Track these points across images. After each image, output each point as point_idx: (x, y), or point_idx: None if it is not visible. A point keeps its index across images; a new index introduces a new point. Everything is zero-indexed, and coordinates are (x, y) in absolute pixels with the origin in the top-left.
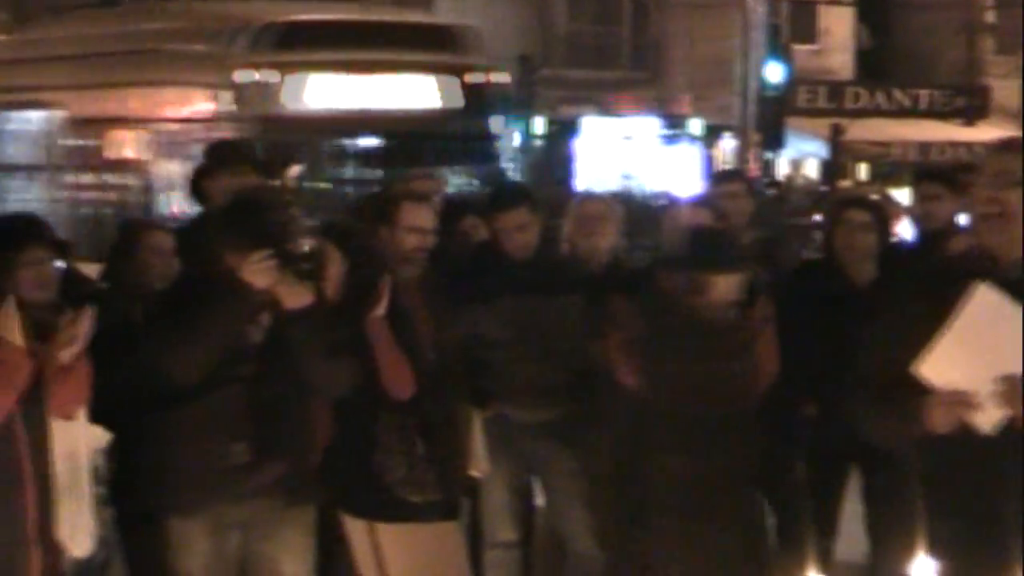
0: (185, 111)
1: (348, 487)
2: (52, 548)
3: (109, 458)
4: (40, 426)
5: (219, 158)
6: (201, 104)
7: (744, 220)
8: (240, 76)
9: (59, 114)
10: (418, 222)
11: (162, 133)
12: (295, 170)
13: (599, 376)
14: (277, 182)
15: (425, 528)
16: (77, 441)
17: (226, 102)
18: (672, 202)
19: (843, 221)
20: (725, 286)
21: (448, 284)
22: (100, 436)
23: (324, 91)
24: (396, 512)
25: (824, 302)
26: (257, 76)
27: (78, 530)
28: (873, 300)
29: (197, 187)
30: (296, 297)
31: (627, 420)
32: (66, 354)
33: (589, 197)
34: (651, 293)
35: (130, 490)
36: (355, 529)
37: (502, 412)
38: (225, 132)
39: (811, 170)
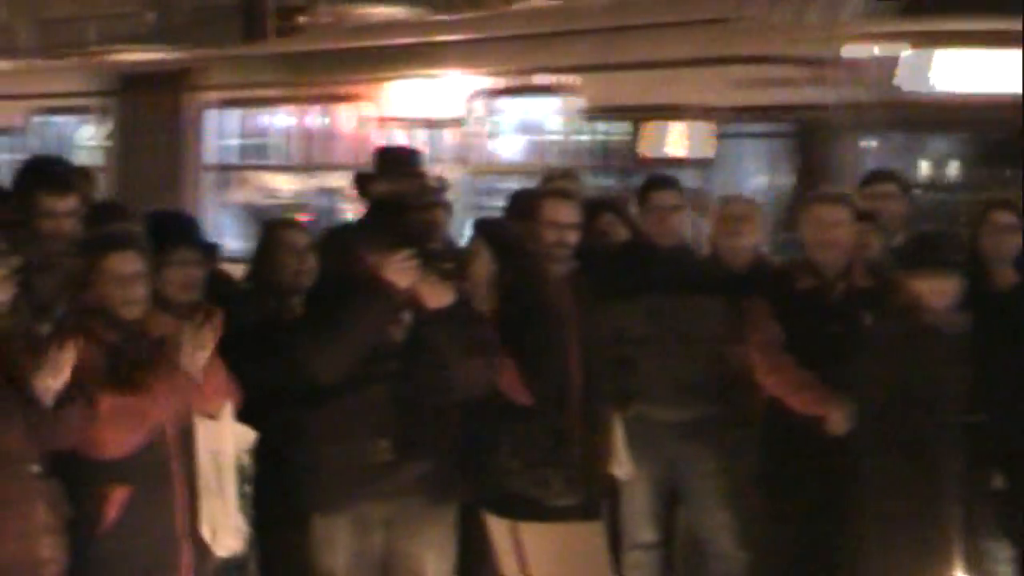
0: (769, 96)
1: (489, 486)
2: (200, 546)
3: (257, 457)
4: (187, 426)
5: (383, 162)
6: (795, 87)
7: (898, 223)
8: (852, 51)
9: (571, 101)
10: (559, 217)
11: (730, 124)
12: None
13: (740, 377)
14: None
15: (567, 528)
16: (223, 440)
17: (833, 84)
18: (813, 199)
19: (988, 223)
20: (949, 289)
21: (594, 282)
22: (247, 435)
23: (958, 70)
24: (536, 512)
25: (969, 305)
26: (875, 51)
27: (221, 529)
28: (1018, 304)
29: (362, 189)
30: (437, 296)
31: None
32: (198, 358)
33: (733, 197)
34: (885, 297)
35: (275, 488)
36: (498, 528)
37: (644, 412)
38: (830, 121)
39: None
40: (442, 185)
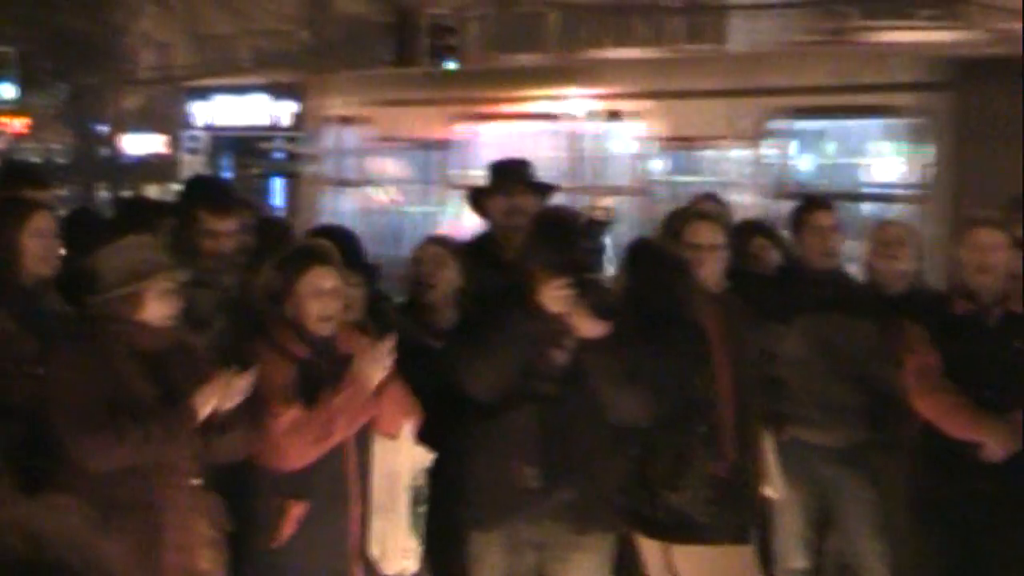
0: None
1: (640, 508)
2: (368, 565)
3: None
4: (366, 445)
5: (499, 177)
6: None
7: None
8: None
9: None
10: (700, 239)
11: None
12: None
13: (894, 402)
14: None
15: (719, 550)
16: (399, 460)
17: None
18: (972, 223)
19: None
20: None
21: (748, 304)
22: (424, 456)
23: None
24: (687, 533)
25: None
26: None
27: (390, 548)
28: None
29: (477, 204)
30: (590, 327)
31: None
32: (373, 380)
33: (891, 221)
34: None
35: (438, 504)
36: (650, 550)
37: (797, 435)
38: None
39: None
40: (608, 216)
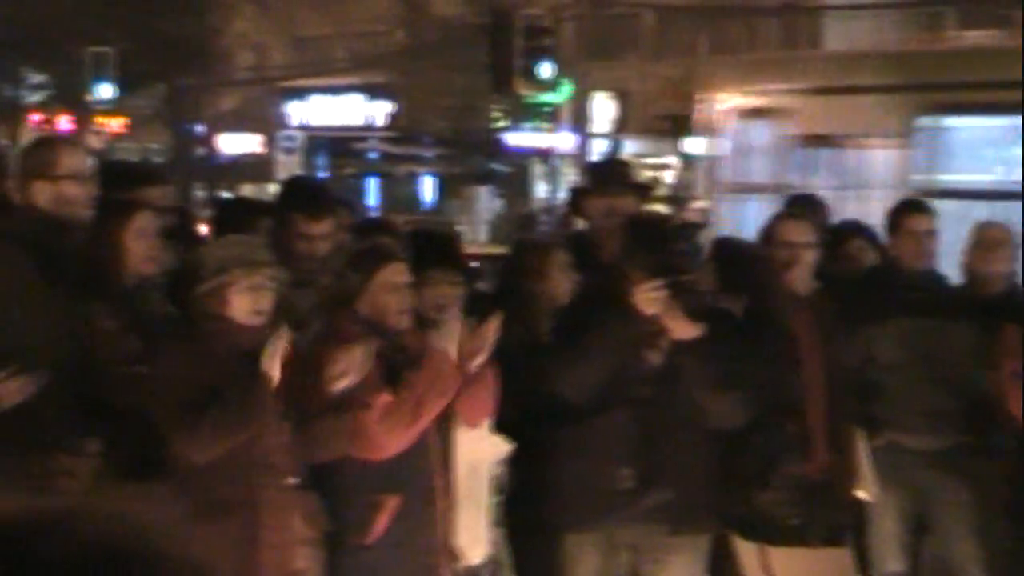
0: None
1: (733, 509)
2: (453, 555)
3: (509, 469)
4: (447, 437)
5: (597, 177)
6: None
7: None
8: None
9: None
10: (791, 238)
11: None
12: (702, 203)
13: (992, 406)
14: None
15: (816, 553)
16: (480, 450)
17: None
18: None
19: None
20: None
21: (841, 306)
22: (501, 446)
23: None
24: (781, 535)
25: None
26: None
27: (474, 538)
28: None
29: (575, 204)
30: (683, 329)
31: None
32: (473, 364)
33: (989, 223)
34: None
35: (527, 502)
36: (746, 552)
37: (893, 439)
38: None
39: None
40: (705, 218)
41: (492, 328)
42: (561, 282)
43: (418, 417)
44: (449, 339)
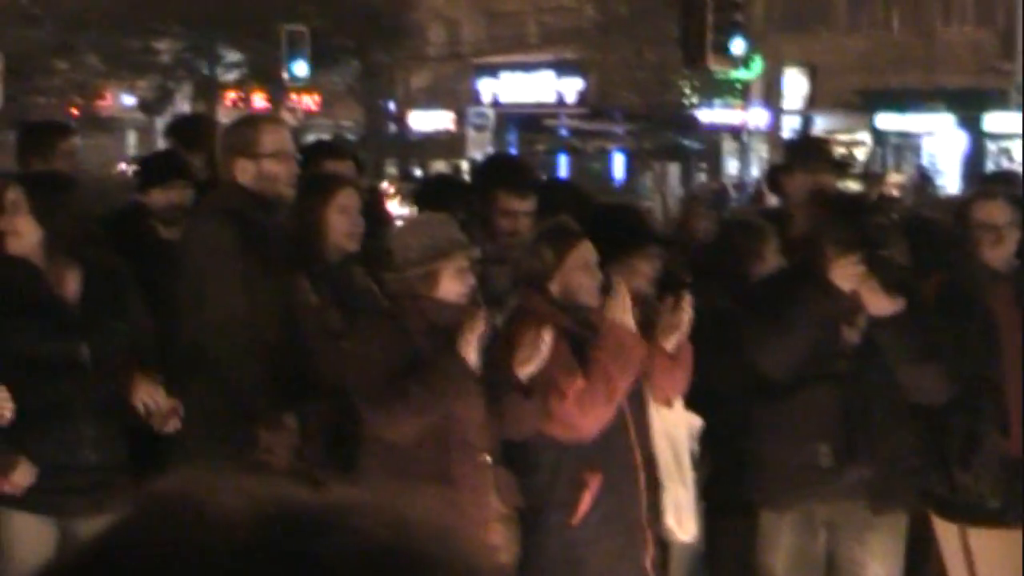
0: None
1: (934, 488)
2: (659, 533)
3: (702, 446)
4: (642, 412)
5: (798, 154)
6: None
7: None
8: None
9: None
10: (988, 218)
11: None
12: (896, 177)
13: None
14: (878, 186)
15: (1015, 535)
16: (677, 427)
17: None
18: None
19: None
20: None
21: None
22: (695, 422)
23: None
24: (982, 515)
25: None
26: None
27: (684, 515)
28: None
29: (774, 182)
30: (881, 304)
31: None
32: (671, 342)
33: None
34: None
35: (724, 480)
36: (945, 532)
37: None
38: None
39: None
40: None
41: (687, 306)
42: (773, 263)
43: (612, 396)
44: (621, 309)
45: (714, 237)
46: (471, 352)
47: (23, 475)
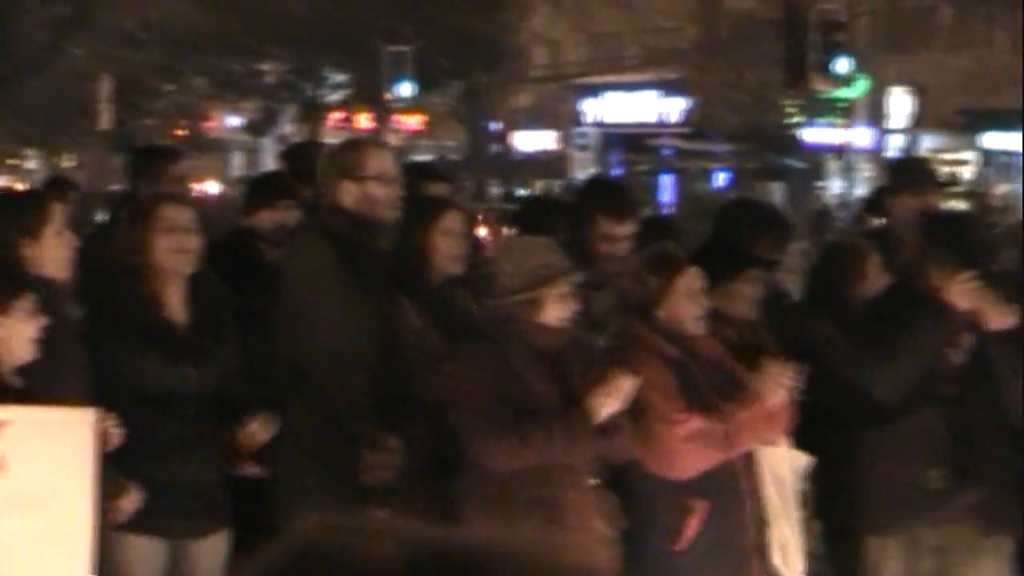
0: None
1: None
2: (766, 567)
3: (811, 480)
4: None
5: (904, 175)
6: None
7: None
8: None
9: None
10: None
11: None
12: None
13: None
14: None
15: None
16: (781, 465)
17: None
18: None
19: None
20: None
21: None
22: (801, 459)
23: None
24: None
25: None
26: None
27: (789, 553)
28: None
29: (876, 203)
30: (999, 318)
31: None
32: (774, 400)
33: None
34: None
35: (828, 506)
36: None
37: None
38: None
39: None
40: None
41: (799, 374)
42: (876, 283)
43: (730, 448)
44: (771, 385)
45: (816, 260)
46: (604, 412)
47: (131, 500)
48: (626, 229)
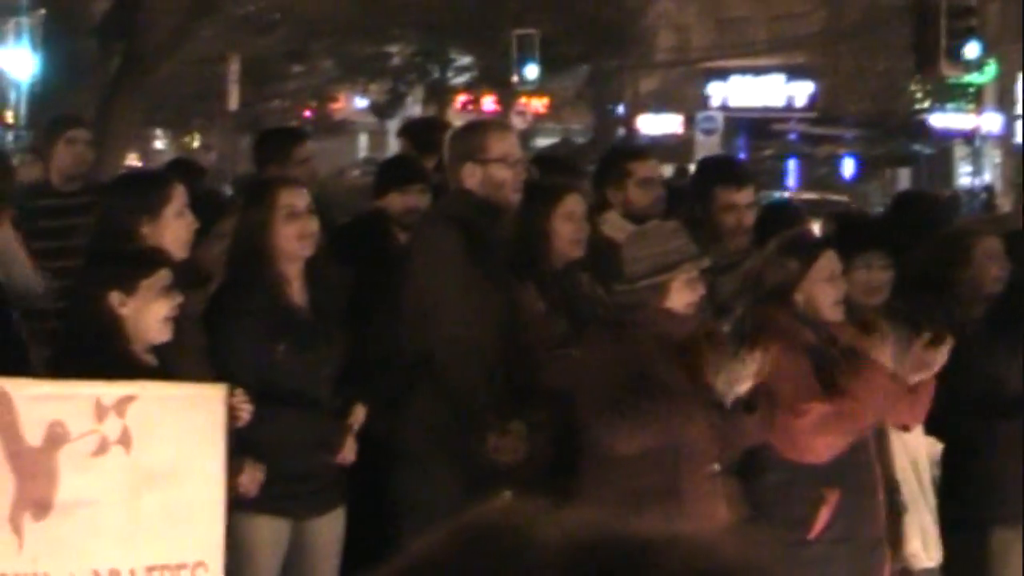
0: None
1: None
2: (899, 555)
3: (942, 467)
4: (882, 433)
5: None
6: None
7: None
8: None
9: None
10: None
11: None
12: None
13: None
14: None
15: None
16: (917, 452)
17: None
18: None
19: None
20: None
21: None
22: (935, 446)
23: None
24: None
25: None
26: None
27: (930, 540)
28: None
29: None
30: None
31: None
32: (917, 377)
33: None
34: None
35: (953, 497)
36: None
37: None
38: None
39: None
40: None
41: (945, 352)
42: (989, 269)
43: (855, 429)
44: (882, 351)
45: (924, 249)
46: (730, 392)
47: (251, 477)
48: (745, 196)
